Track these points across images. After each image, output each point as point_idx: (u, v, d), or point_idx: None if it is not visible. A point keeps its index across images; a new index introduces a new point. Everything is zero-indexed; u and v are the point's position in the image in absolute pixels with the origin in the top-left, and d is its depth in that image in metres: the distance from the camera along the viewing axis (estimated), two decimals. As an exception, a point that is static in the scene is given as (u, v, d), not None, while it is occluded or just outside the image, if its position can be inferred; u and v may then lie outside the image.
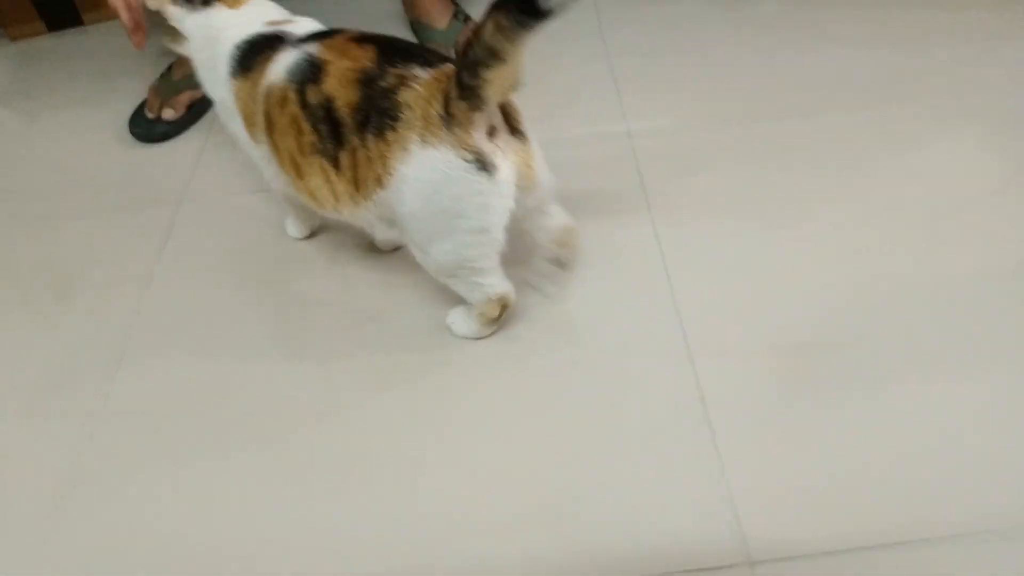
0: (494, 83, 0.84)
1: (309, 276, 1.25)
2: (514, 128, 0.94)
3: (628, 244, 1.22)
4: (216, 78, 1.08)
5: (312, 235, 1.32)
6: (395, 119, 0.90)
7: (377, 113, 0.90)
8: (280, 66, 0.99)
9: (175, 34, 1.11)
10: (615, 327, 1.11)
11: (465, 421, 1.03)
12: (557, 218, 1.07)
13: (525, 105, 0.96)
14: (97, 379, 1.14)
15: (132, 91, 1.68)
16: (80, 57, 1.86)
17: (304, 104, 0.95)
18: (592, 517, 0.91)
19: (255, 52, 1.03)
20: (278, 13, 1.09)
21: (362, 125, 0.92)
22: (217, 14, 1.07)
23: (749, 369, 1.04)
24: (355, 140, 0.93)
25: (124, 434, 1.07)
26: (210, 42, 1.08)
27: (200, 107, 1.62)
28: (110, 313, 1.23)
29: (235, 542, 0.94)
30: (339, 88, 0.93)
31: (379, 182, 0.94)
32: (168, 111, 1.58)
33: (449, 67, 0.91)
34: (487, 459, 0.98)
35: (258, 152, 1.09)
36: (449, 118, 0.88)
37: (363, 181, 0.96)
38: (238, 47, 1.05)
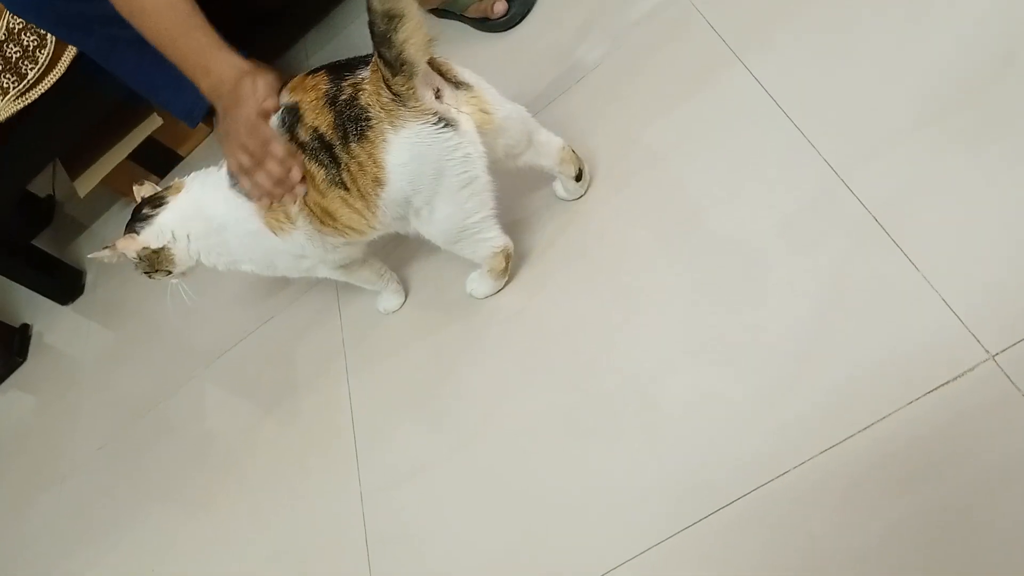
0: (409, 42, 0.94)
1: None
2: (456, 83, 1.04)
3: (729, 94, 1.20)
4: (232, 230, 1.17)
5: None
6: (366, 120, 1.01)
7: (351, 122, 1.01)
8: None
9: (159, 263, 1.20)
10: (759, 173, 1.10)
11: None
12: (550, 144, 1.17)
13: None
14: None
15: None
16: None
17: (301, 145, 1.05)
18: (827, 369, 0.93)
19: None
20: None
21: (345, 139, 1.02)
22: (179, 204, 1.19)
23: (899, 161, 1.01)
24: (346, 156, 1.03)
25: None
26: (201, 220, 1.18)
27: None
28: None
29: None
30: (317, 117, 1.03)
31: (378, 182, 1.04)
32: None
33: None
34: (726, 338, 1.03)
35: (301, 245, 1.15)
36: (398, 98, 0.99)
37: (365, 190, 1.05)
38: (231, 181, 1.15)
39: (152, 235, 1.18)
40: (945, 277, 0.91)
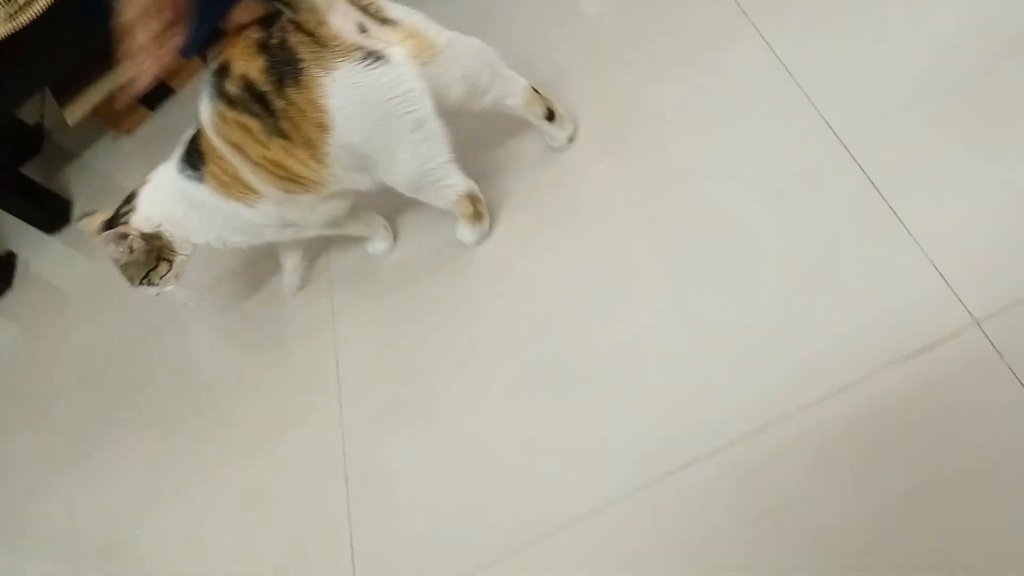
0: None
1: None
2: (383, 19, 0.99)
3: (737, 54, 1.19)
4: (205, 206, 1.14)
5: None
6: (297, 62, 0.96)
7: (284, 65, 0.97)
8: (203, 108, 1.04)
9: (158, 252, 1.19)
10: (760, 133, 1.10)
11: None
12: (515, 83, 1.15)
13: None
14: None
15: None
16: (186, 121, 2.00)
17: (231, 101, 1.00)
18: (812, 327, 0.94)
19: (191, 152, 1.12)
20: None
21: (280, 84, 0.98)
22: (150, 194, 1.17)
23: (901, 130, 1.00)
24: (283, 103, 0.99)
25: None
26: (175, 203, 1.16)
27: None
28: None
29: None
30: (246, 62, 0.98)
31: (322, 127, 1.00)
32: None
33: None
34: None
35: (275, 214, 1.14)
36: (314, 37, 0.95)
37: (310, 137, 1.01)
38: (179, 167, 1.13)
39: (140, 222, 1.17)
40: (938, 243, 0.91)
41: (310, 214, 1.18)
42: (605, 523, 0.96)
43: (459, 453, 1.12)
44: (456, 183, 1.14)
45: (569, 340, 1.11)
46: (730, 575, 0.87)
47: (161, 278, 1.21)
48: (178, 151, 1.15)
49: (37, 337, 1.91)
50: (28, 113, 2.37)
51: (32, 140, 2.34)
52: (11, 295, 2.08)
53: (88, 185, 2.13)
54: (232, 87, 1.00)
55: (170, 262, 1.20)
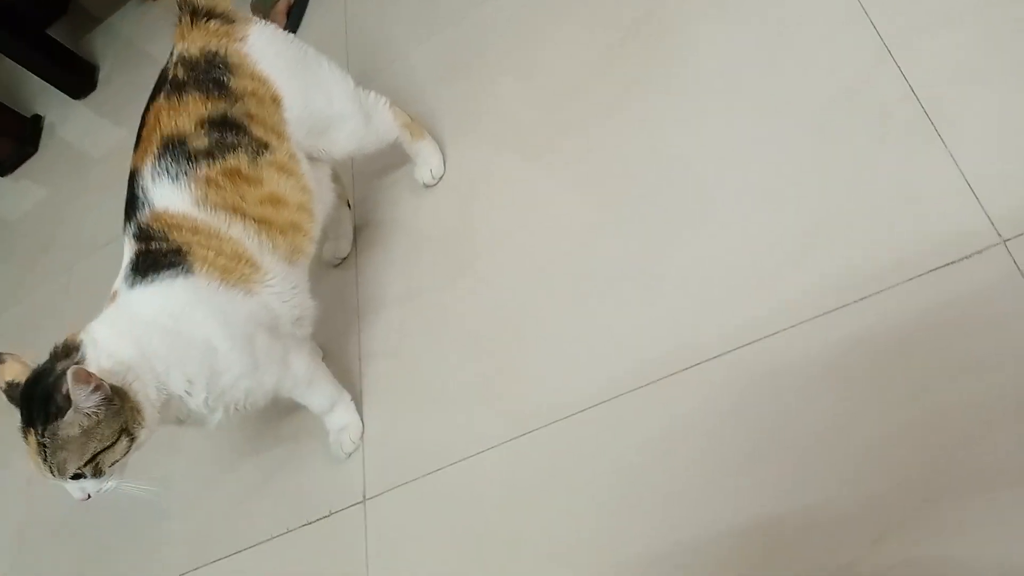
0: None
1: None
2: None
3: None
4: (189, 323, 0.92)
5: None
6: (216, 55, 0.99)
7: (211, 70, 0.98)
8: (175, 197, 0.93)
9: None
10: (806, 36, 1.06)
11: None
12: None
13: None
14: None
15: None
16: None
17: (209, 155, 0.94)
18: (838, 237, 0.93)
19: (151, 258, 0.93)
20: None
21: (221, 87, 0.98)
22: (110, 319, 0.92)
23: (952, 43, 0.96)
24: (239, 107, 0.98)
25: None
26: (149, 331, 0.91)
27: (298, 8, 1.69)
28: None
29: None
30: (187, 114, 0.96)
31: (275, 99, 1.02)
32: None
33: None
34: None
35: (279, 295, 0.99)
36: (225, 17, 1.03)
37: (275, 124, 1.01)
38: (140, 276, 0.92)
39: (103, 362, 0.86)
40: (974, 162, 0.89)
41: (295, 299, 1.03)
42: (608, 417, 0.98)
43: (472, 337, 1.13)
44: (379, 97, 1.18)
45: (588, 246, 1.11)
46: (727, 475, 0.89)
47: (111, 465, 0.88)
48: (122, 275, 0.94)
49: (63, 200, 1.93)
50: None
51: (57, 1, 2.31)
52: (37, 158, 2.09)
53: (114, 50, 2.11)
54: (199, 142, 0.95)
55: (132, 438, 0.88)
